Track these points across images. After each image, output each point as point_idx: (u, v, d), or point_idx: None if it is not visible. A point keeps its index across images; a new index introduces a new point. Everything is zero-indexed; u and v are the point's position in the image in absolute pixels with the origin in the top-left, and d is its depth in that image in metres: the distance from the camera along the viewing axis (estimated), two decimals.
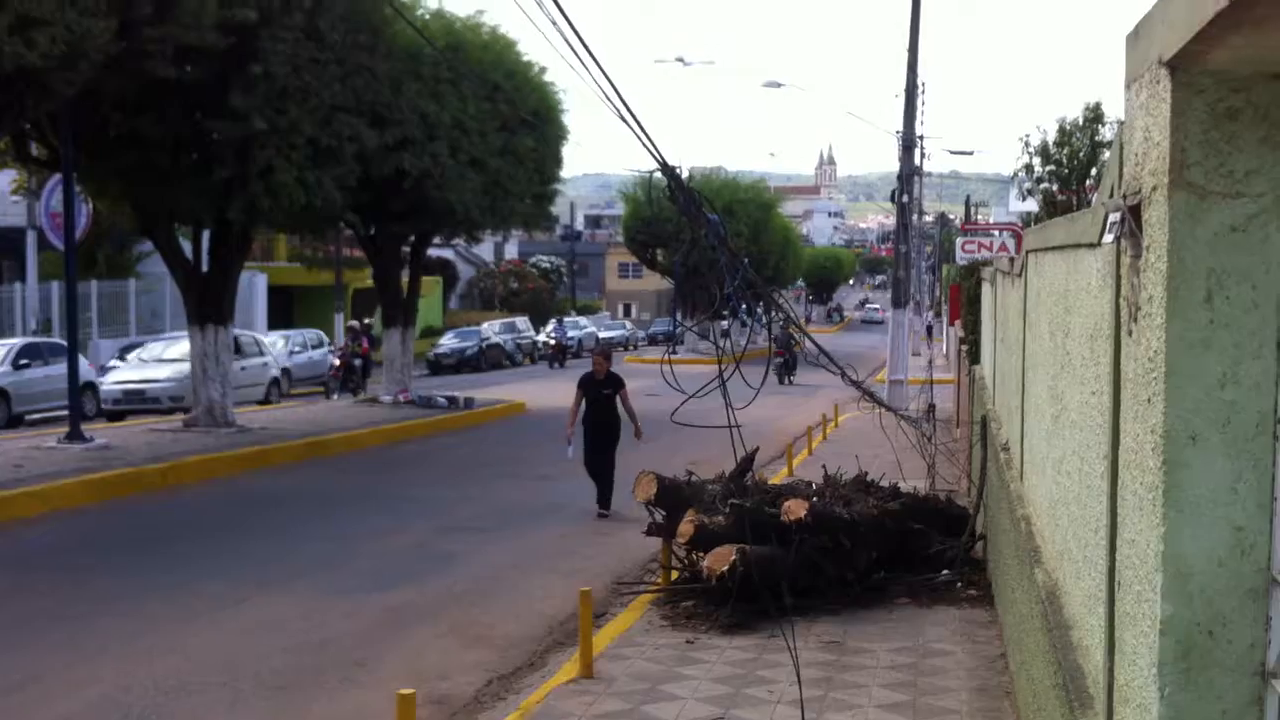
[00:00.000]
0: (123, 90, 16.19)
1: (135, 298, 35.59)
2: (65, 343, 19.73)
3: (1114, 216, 3.40)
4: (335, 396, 29.85)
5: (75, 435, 17.27)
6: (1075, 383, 4.70)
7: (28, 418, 24.48)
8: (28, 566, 10.94)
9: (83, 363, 21.94)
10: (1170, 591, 2.92)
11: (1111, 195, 3.72)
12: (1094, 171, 28.39)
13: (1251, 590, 2.91)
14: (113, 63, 14.28)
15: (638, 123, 4.91)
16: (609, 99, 4.78)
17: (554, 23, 4.97)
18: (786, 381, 34.35)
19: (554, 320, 50.63)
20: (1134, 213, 3.20)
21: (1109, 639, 3.67)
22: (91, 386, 25.51)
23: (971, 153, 69.30)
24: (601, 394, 14.21)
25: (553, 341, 46.75)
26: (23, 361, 24.76)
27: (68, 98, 15.01)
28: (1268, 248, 2.83)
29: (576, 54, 5.18)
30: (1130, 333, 3.30)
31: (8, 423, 23.79)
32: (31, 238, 31.93)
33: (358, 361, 31.81)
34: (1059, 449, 5.25)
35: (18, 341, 26.39)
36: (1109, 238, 3.52)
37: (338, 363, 31.78)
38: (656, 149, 4.97)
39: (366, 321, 34.55)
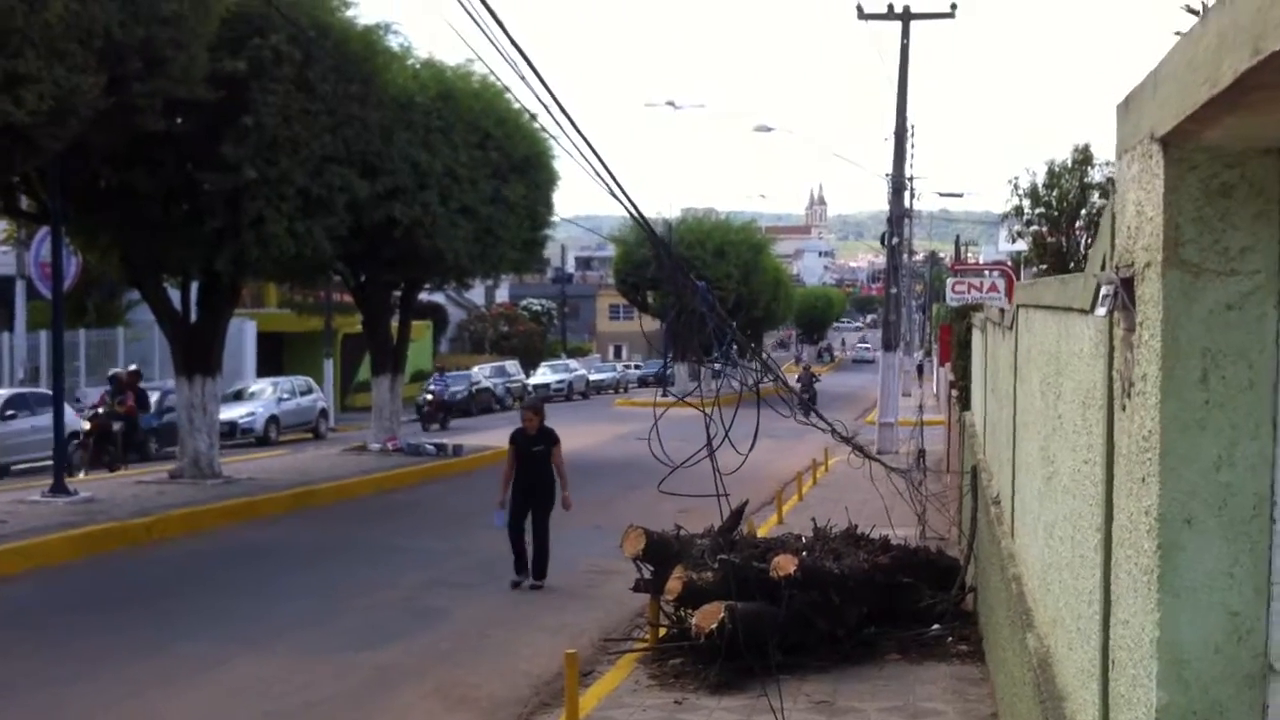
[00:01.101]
0: (113, 144, 16.15)
1: (124, 345, 35.44)
2: (51, 392, 19.59)
3: (1106, 289, 3.35)
4: (83, 474, 21.92)
5: (59, 488, 17.11)
6: (1067, 448, 4.63)
7: (13, 468, 24.30)
8: (9, 625, 10.79)
9: (69, 413, 21.77)
10: (1165, 679, 2.84)
11: (1104, 266, 3.66)
12: (1083, 213, 28.55)
13: (1248, 677, 2.84)
14: (102, 118, 14.24)
15: (625, 195, 4.86)
16: (600, 176, 4.73)
17: (539, 99, 4.94)
18: (811, 415, 34.83)
19: (435, 374, 41.69)
20: (1127, 286, 3.15)
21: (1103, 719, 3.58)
22: (78, 436, 25.35)
23: (961, 194, 69.88)
24: (532, 451, 12.79)
25: (429, 396, 38.42)
26: (9, 412, 24.59)
27: (56, 153, 14.97)
28: (1263, 326, 2.77)
29: (560, 125, 5.15)
30: (1124, 408, 3.24)
31: None
32: (20, 287, 31.83)
33: (118, 425, 23.94)
34: (1051, 512, 5.17)
35: (4, 392, 26.22)
36: (1101, 310, 3.46)
37: (87, 426, 23.78)
38: (644, 218, 4.92)
39: (133, 368, 26.39)
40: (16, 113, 12.62)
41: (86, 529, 14.78)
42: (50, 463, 19.20)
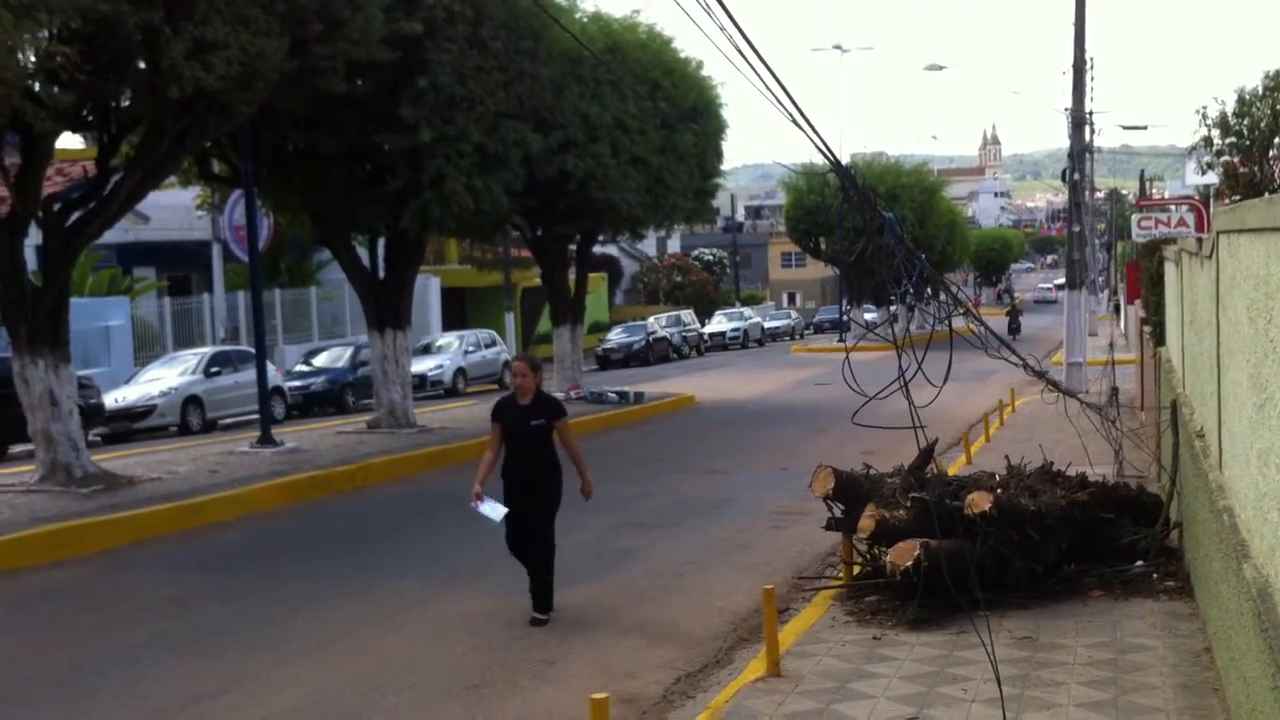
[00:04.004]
0: (297, 107, 16.73)
1: (317, 304, 36.90)
2: (253, 350, 20.53)
3: None
4: None
5: (266, 439, 17.97)
6: None
7: (220, 423, 25.59)
8: (226, 570, 11.42)
9: (270, 368, 22.79)
10: None
11: None
12: (1277, 141, 27.13)
13: None
14: (286, 81, 14.75)
15: (809, 123, 4.86)
16: (780, 104, 4.75)
17: (722, 28, 4.96)
18: (1013, 338, 37.75)
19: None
20: None
21: None
22: (280, 391, 26.58)
23: (1145, 127, 67.06)
24: (528, 427, 9.09)
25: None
26: (214, 369, 25.91)
27: (245, 117, 15.59)
28: None
29: (744, 55, 5.16)
30: None
31: (202, 428, 24.91)
32: (217, 250, 33.32)
33: None
34: (1264, 440, 5.01)
35: (208, 350, 27.65)
36: None
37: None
38: (829, 149, 4.91)
39: None
40: (207, 78, 13.16)
41: (294, 477, 15.52)
42: (255, 416, 20.18)
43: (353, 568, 11.26)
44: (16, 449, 20.65)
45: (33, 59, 12.05)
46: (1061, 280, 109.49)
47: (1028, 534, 8.92)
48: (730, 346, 56.06)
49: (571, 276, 27.63)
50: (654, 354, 46.46)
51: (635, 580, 10.48)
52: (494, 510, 9.00)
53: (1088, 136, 31.97)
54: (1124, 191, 74.80)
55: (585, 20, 23.17)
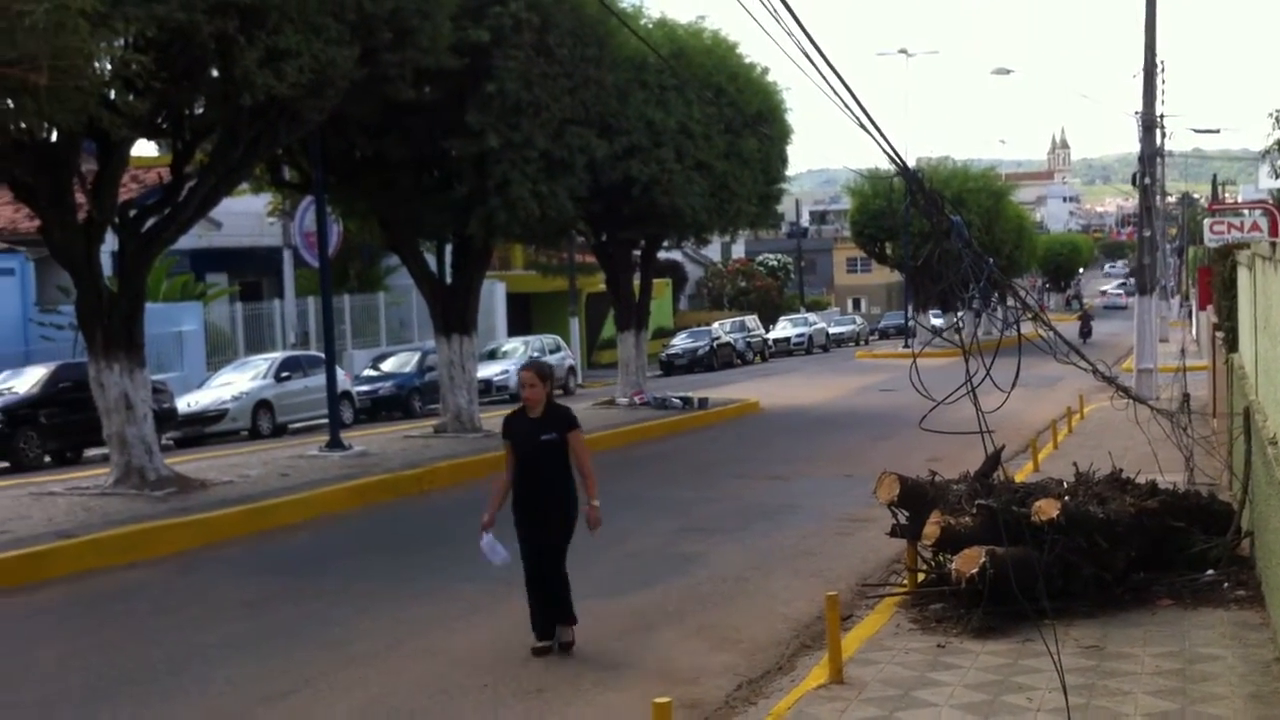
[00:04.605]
0: (366, 114, 16.94)
1: (385, 310, 37.32)
2: (323, 355, 20.80)
3: None
4: None
5: (335, 443, 18.20)
6: None
7: (290, 427, 25.94)
8: (296, 572, 11.58)
9: (339, 373, 23.11)
10: None
11: None
12: None
13: None
14: (356, 89, 14.96)
15: (876, 127, 4.87)
16: (847, 107, 4.76)
17: (789, 33, 4.98)
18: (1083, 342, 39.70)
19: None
20: None
21: None
22: (348, 395, 26.90)
23: (1217, 130, 65.46)
24: (538, 442, 8.28)
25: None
26: (284, 374, 26.29)
27: (316, 124, 15.82)
28: None
29: (810, 59, 5.17)
30: None
31: (272, 432, 25.27)
32: (288, 256, 33.75)
33: None
34: None
35: (279, 355, 28.06)
36: None
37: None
38: (896, 152, 4.91)
39: None
40: (279, 86, 13.37)
41: (362, 481, 15.72)
42: (324, 420, 20.44)
43: (420, 570, 11.37)
44: (91, 452, 21.09)
45: (109, 67, 12.31)
46: (1117, 285, 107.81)
47: (1096, 542, 8.83)
48: (795, 352, 55.87)
49: (636, 282, 27.70)
50: (718, 359, 46.43)
51: (698, 585, 10.50)
52: (495, 553, 8.36)
53: (1158, 140, 31.53)
54: (1195, 196, 73.53)
55: (650, 26, 23.27)
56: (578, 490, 8.36)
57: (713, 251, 62.49)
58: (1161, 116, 30.94)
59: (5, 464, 20.58)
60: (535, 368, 8.53)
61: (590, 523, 8.34)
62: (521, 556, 8.33)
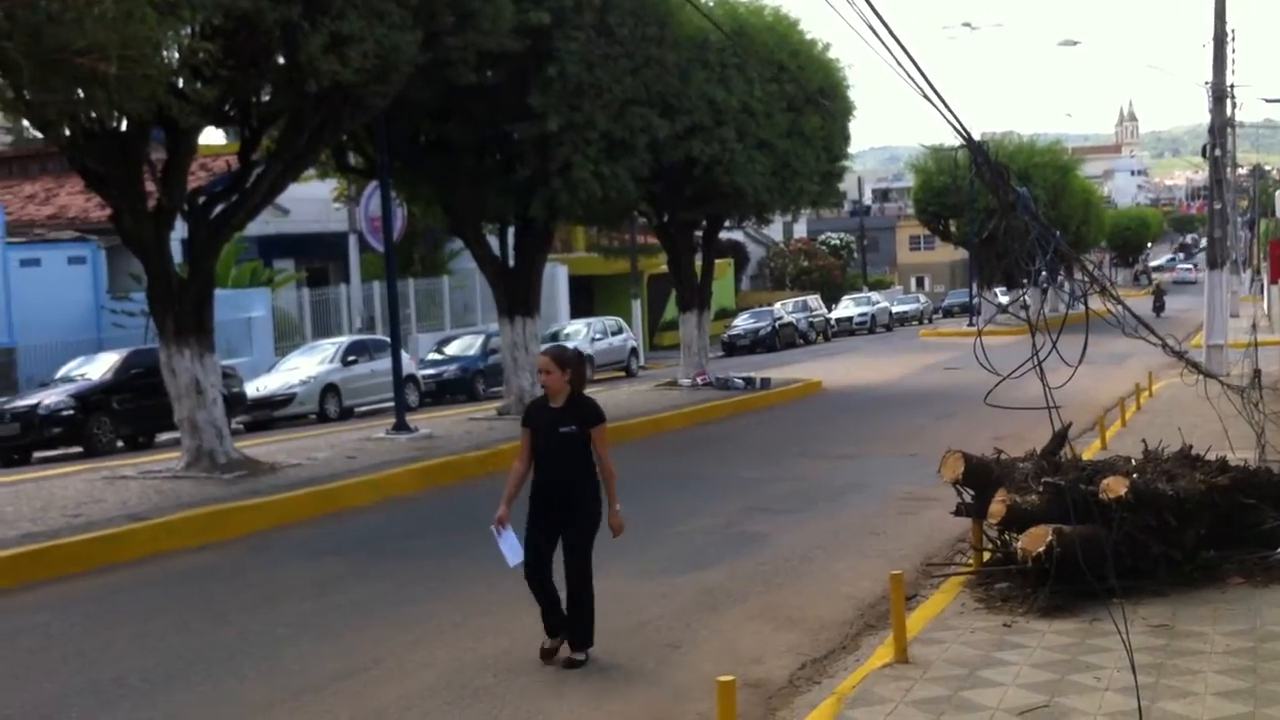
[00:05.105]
0: (430, 99, 17.06)
1: (449, 293, 37.61)
2: (388, 339, 21.01)
3: None
4: None
5: (401, 426, 18.40)
6: None
7: (356, 410, 26.25)
8: (366, 552, 11.74)
9: (404, 357, 23.34)
10: None
11: None
12: None
13: None
14: (419, 73, 15.06)
15: (941, 100, 4.83)
16: (912, 79, 4.72)
17: (852, 3, 4.95)
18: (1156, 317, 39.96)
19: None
20: None
21: None
22: (413, 379, 27.16)
23: None
24: (556, 434, 7.72)
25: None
26: (350, 358, 26.60)
27: (380, 109, 15.94)
28: None
29: (875, 32, 5.14)
30: None
31: (339, 416, 25.59)
32: (353, 241, 34.11)
33: None
34: None
35: (345, 339, 28.39)
36: None
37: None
38: (962, 125, 4.87)
39: None
40: (343, 71, 13.50)
41: (428, 463, 15.88)
42: (390, 404, 20.65)
43: (486, 550, 11.34)
44: (163, 437, 21.47)
45: (177, 56, 12.48)
46: (1167, 259, 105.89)
47: (1165, 519, 8.72)
48: (857, 332, 55.56)
49: (698, 262, 27.67)
50: (780, 340, 46.27)
51: (762, 565, 10.50)
52: (510, 549, 7.83)
53: (1229, 111, 30.91)
54: (1268, 167, 72.15)
55: (711, 4, 23.17)
56: (601, 490, 7.79)
57: (774, 231, 62.25)
58: (1232, 86, 30.34)
59: (79, 449, 21.02)
60: (551, 353, 7.88)
61: (612, 529, 7.86)
62: (524, 544, 7.87)
